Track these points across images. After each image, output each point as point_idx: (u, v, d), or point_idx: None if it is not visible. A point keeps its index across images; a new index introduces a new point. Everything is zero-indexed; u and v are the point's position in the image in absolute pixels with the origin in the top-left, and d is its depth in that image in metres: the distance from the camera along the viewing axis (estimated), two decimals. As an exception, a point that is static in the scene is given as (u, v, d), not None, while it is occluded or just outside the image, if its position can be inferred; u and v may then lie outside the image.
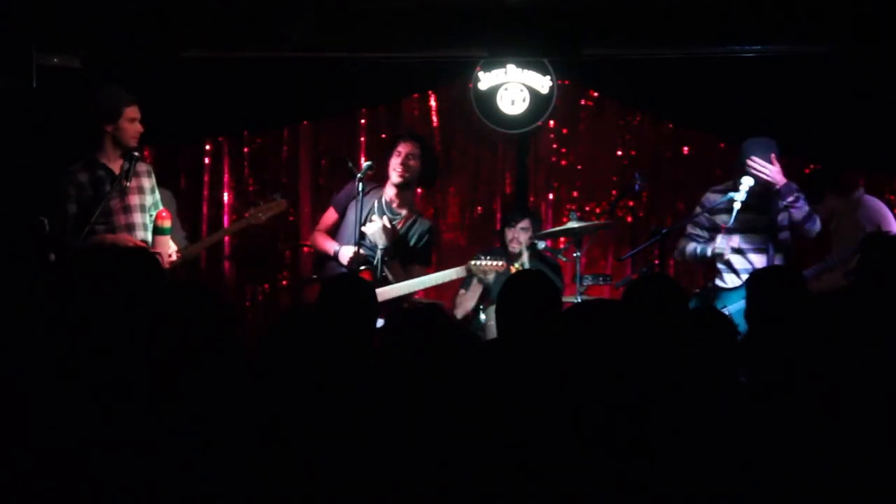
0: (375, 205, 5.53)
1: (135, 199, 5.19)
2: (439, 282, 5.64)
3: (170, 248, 5.22)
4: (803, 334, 3.17)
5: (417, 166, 5.54)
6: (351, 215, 5.52)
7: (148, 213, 5.23)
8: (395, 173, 5.52)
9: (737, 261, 5.38)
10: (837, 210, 5.89)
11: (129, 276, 3.55)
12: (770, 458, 2.61)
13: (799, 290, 3.54)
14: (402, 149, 5.53)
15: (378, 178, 5.80)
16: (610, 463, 2.56)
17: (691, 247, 5.54)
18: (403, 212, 5.56)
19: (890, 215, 5.86)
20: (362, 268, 5.38)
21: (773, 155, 5.25)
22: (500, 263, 5.61)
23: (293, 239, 7.17)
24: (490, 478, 2.54)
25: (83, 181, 5.12)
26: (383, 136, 6.98)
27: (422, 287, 5.62)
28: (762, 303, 3.59)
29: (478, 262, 5.56)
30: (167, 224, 5.22)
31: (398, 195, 5.54)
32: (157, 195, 5.32)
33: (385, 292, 5.35)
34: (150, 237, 5.21)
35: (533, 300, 3.46)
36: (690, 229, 5.58)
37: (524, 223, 6.18)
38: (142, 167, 5.27)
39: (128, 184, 5.13)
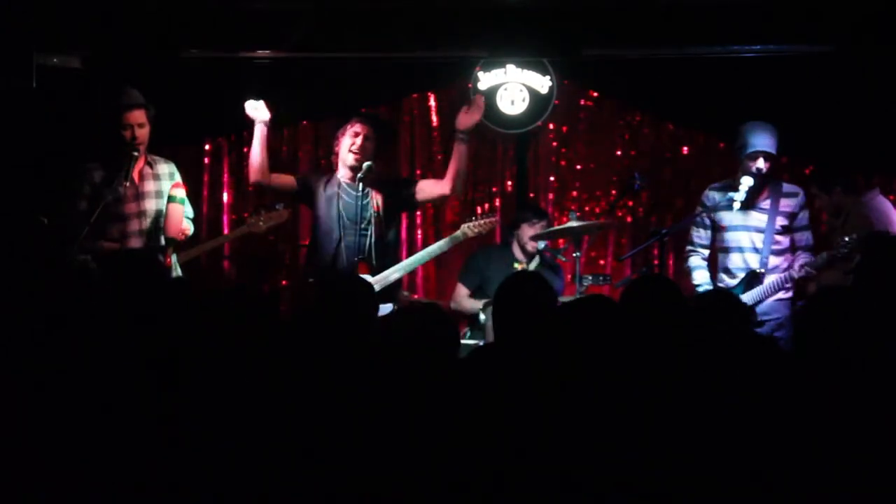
0: (338, 190, 5.43)
1: (150, 204, 5.19)
2: (436, 254, 5.55)
3: (183, 221, 5.20)
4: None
5: (372, 147, 5.45)
6: (323, 209, 5.44)
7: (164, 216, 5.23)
8: (350, 156, 5.36)
9: (734, 259, 5.38)
10: (846, 207, 5.89)
11: (130, 278, 3.55)
12: (770, 458, 2.60)
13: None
14: (359, 129, 5.42)
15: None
16: (609, 462, 2.56)
17: (695, 275, 5.52)
18: (364, 188, 5.46)
19: (894, 217, 5.85)
20: (359, 257, 5.36)
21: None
22: (493, 219, 5.67)
23: (292, 239, 7.17)
24: (488, 477, 2.54)
25: (96, 180, 5.15)
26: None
27: (419, 263, 5.54)
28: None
29: (471, 224, 5.54)
30: (179, 194, 5.21)
31: (354, 176, 5.44)
32: (179, 194, 5.28)
33: (387, 276, 5.34)
34: (163, 240, 5.22)
35: (530, 301, 3.45)
36: (693, 232, 5.54)
37: (544, 223, 6.22)
38: (162, 169, 5.27)
39: (127, 184, 5.13)
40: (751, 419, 2.70)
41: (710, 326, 3.37)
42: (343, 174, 5.43)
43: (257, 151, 5.46)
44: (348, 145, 5.38)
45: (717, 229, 5.44)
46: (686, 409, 2.72)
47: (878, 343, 2.85)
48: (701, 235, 5.51)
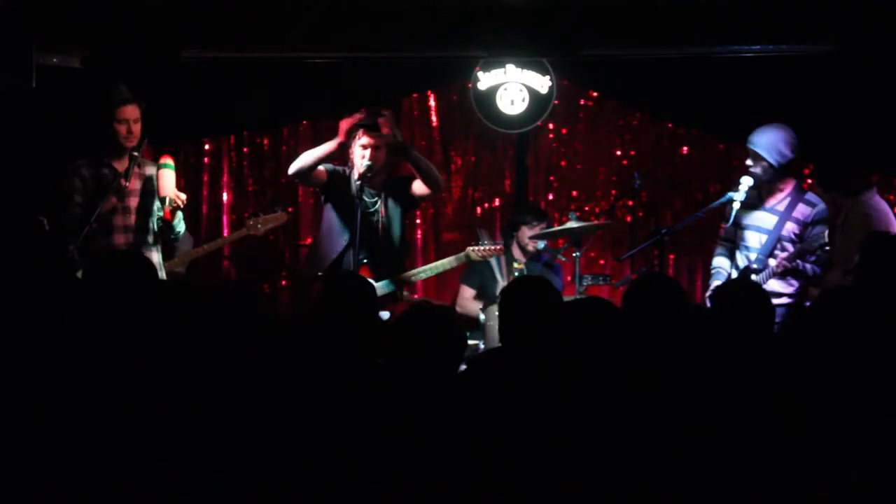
0: (353, 193, 5.44)
1: (134, 202, 5.20)
2: (438, 271, 5.61)
3: (173, 189, 5.16)
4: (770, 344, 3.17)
5: (383, 155, 5.45)
6: (339, 208, 5.45)
7: (154, 216, 5.22)
8: (365, 167, 5.35)
9: (741, 257, 5.37)
10: (845, 207, 5.89)
11: (124, 279, 3.54)
12: (770, 458, 2.61)
13: (761, 304, 3.47)
14: (366, 141, 5.41)
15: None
16: (612, 463, 2.56)
17: (713, 261, 5.51)
18: (380, 194, 5.48)
19: (892, 217, 5.85)
20: (364, 260, 5.36)
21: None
22: (498, 247, 5.68)
23: (292, 238, 7.18)
24: (493, 478, 2.54)
25: (87, 175, 5.16)
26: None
27: (420, 277, 5.55)
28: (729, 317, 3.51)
29: (476, 248, 5.59)
30: (168, 161, 5.20)
31: (369, 180, 5.45)
32: (168, 162, 5.24)
33: (384, 286, 5.35)
34: (149, 238, 5.23)
35: (536, 304, 3.43)
36: (723, 225, 5.54)
37: (543, 225, 6.23)
38: (151, 171, 5.26)
39: (126, 184, 5.14)
40: (752, 418, 2.70)
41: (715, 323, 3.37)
42: (356, 178, 5.44)
43: (316, 157, 5.39)
44: (360, 158, 5.37)
45: (737, 225, 5.42)
46: (687, 408, 2.73)
47: (880, 343, 2.86)
48: (725, 229, 5.49)
